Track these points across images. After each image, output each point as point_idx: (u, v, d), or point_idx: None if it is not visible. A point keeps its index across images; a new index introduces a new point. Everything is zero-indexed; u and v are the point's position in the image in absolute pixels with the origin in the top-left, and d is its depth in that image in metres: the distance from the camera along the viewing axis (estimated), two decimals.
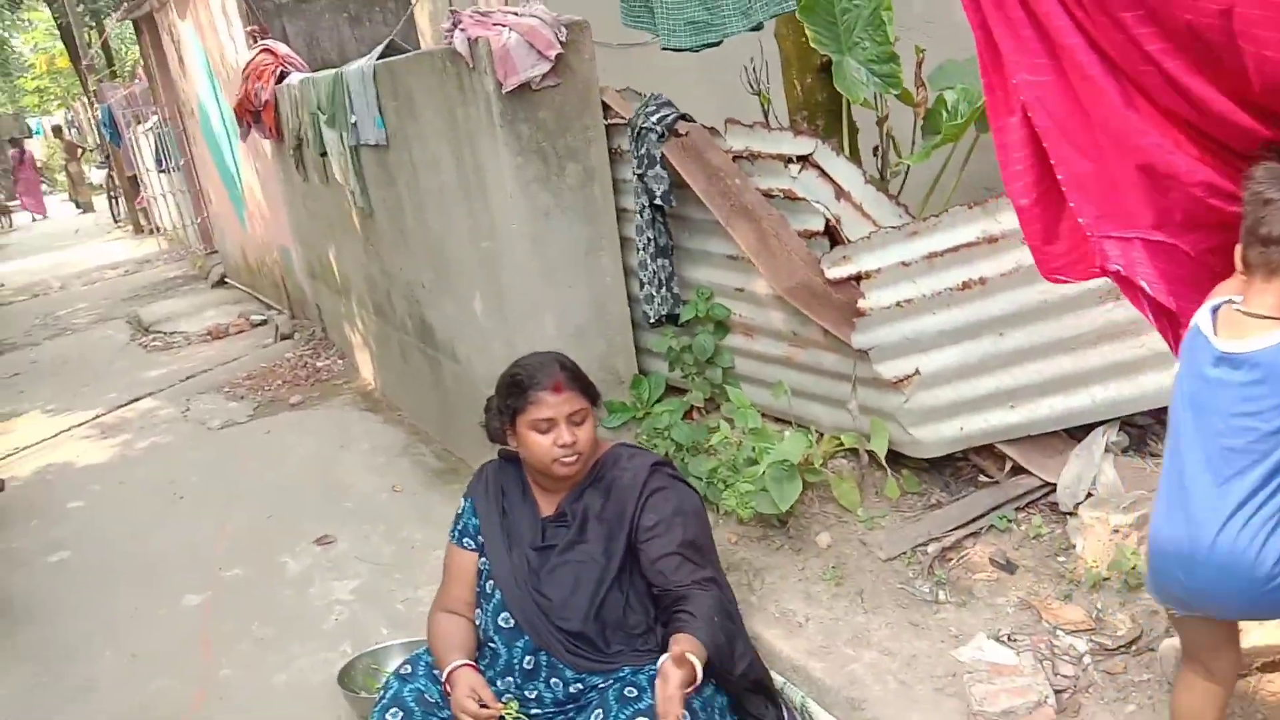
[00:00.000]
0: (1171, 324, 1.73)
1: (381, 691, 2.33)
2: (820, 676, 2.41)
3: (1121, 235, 1.66)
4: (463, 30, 3.20)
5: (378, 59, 4.17)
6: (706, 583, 2.14)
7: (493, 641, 2.25)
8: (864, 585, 2.68)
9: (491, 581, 2.26)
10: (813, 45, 2.70)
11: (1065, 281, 1.83)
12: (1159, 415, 2.76)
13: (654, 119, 3.03)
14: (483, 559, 2.30)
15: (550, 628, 2.17)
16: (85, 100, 20.17)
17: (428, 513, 4.08)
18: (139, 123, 11.91)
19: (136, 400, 6.19)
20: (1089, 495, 2.68)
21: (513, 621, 2.21)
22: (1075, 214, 1.70)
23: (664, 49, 2.78)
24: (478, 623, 2.30)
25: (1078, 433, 2.77)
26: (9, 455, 5.46)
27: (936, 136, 2.75)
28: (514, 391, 2.22)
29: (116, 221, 16.25)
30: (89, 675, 3.25)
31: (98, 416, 5.97)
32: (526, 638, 2.20)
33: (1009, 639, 2.38)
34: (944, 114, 2.77)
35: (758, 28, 2.61)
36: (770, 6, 2.50)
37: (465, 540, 2.35)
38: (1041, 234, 1.76)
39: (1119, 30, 1.46)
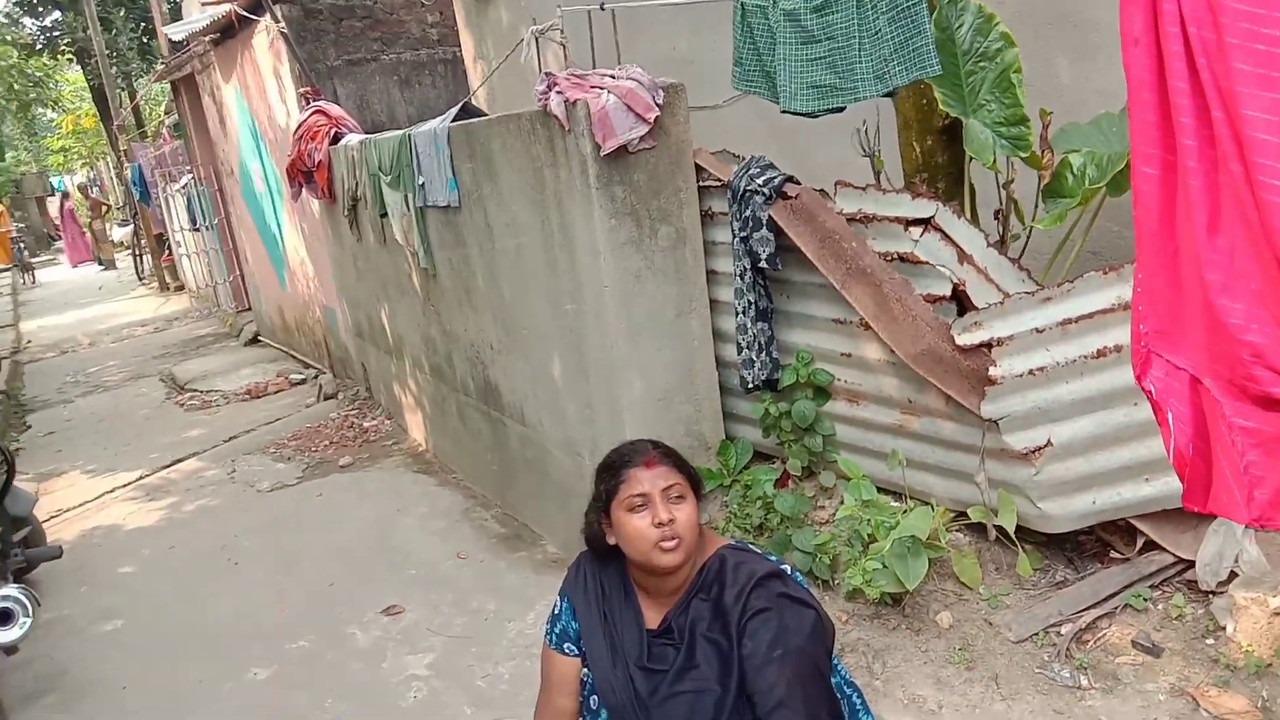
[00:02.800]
0: (1181, 464, 1.57)
1: None
2: None
3: (1171, 360, 1.54)
4: (559, 92, 3.16)
5: (452, 121, 4.15)
6: None
7: None
8: (997, 669, 2.54)
9: (596, 697, 2.07)
10: (941, 106, 2.65)
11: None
12: None
13: (759, 181, 2.97)
14: (585, 668, 2.10)
15: None
16: (110, 159, 20.43)
17: (497, 582, 3.94)
18: (169, 182, 11.99)
19: (180, 461, 6.07)
20: (1231, 574, 2.55)
21: None
22: (1136, 319, 1.60)
23: (783, 112, 2.71)
24: None
25: None
26: (53, 518, 5.33)
27: (1061, 200, 2.68)
28: (606, 476, 2.04)
29: (141, 279, 16.29)
30: None
31: (141, 478, 5.86)
32: None
33: None
34: (1070, 177, 2.70)
35: (891, 94, 2.55)
36: (910, 70, 2.42)
37: (566, 646, 2.12)
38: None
39: (1236, 144, 1.32)
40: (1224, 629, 2.44)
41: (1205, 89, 1.36)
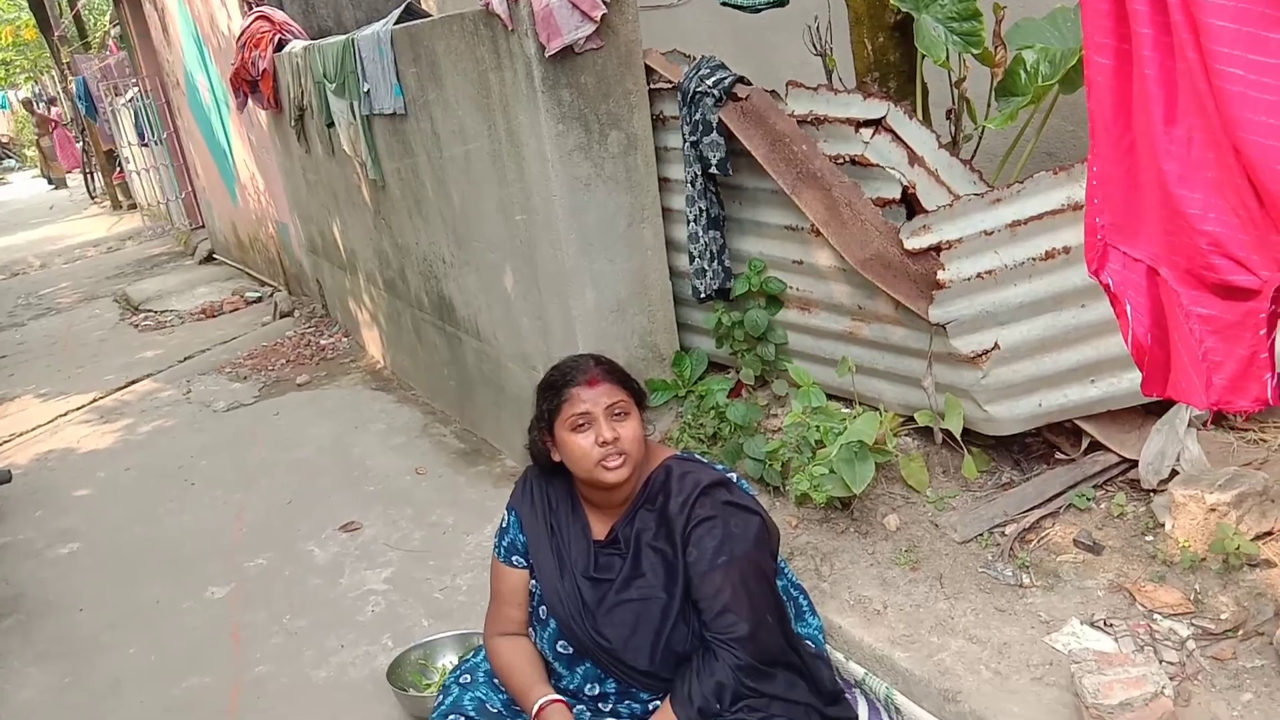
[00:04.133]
0: (1140, 354, 1.59)
1: (440, 696, 2.21)
2: (907, 667, 2.31)
3: (1128, 252, 1.53)
4: None
5: (395, 23, 3.99)
6: (734, 644, 1.91)
7: (553, 664, 2.12)
8: (942, 569, 2.57)
9: (544, 607, 2.10)
10: (892, 1, 2.55)
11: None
12: None
13: (709, 82, 2.87)
14: (533, 580, 2.13)
15: (615, 663, 2.02)
16: (55, 73, 19.61)
17: (455, 496, 3.95)
18: (117, 95, 11.56)
19: (135, 382, 5.99)
20: (1173, 472, 2.58)
21: (572, 649, 2.07)
22: (1091, 212, 1.58)
23: (722, 4, 2.60)
24: (534, 641, 2.16)
25: (1157, 407, 2.67)
26: (6, 442, 5.26)
27: (1014, 99, 2.62)
28: (548, 395, 2.03)
29: (93, 197, 15.85)
30: (116, 673, 3.10)
31: (95, 400, 5.77)
32: (589, 664, 2.06)
33: (1105, 624, 2.28)
34: (1023, 74, 2.63)
35: None
36: None
37: (514, 559, 2.15)
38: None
39: (1192, 31, 1.28)
40: (1163, 526, 2.48)
41: None
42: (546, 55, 2.99)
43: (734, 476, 2.14)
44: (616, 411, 1.99)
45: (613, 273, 3.35)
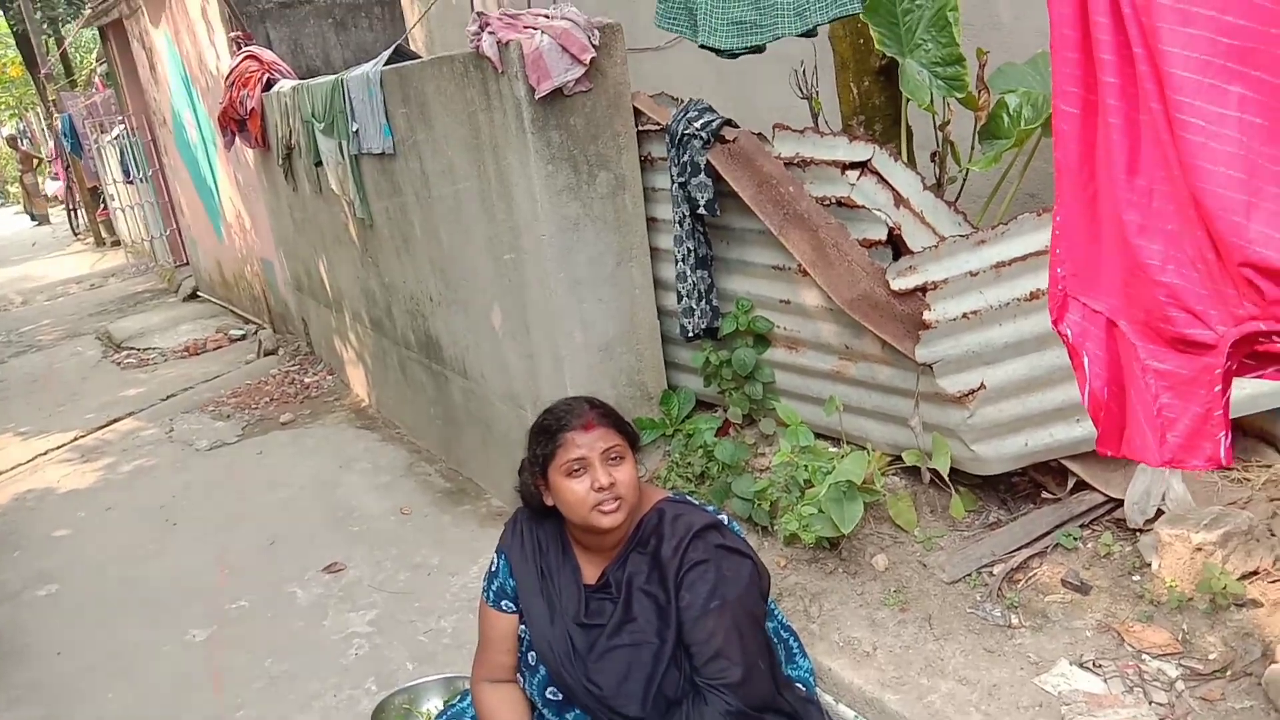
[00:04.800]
0: (1096, 408, 1.58)
1: None
2: (897, 710, 2.29)
3: (1088, 303, 1.53)
4: (491, 33, 3.06)
5: (384, 64, 4.02)
6: (726, 690, 1.89)
7: (542, 710, 2.09)
8: (930, 610, 2.57)
9: (534, 654, 2.07)
10: (877, 46, 2.60)
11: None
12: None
13: (697, 124, 2.91)
14: (523, 625, 2.11)
15: (606, 710, 1.98)
16: (40, 110, 19.64)
17: (440, 536, 3.92)
18: (103, 132, 11.57)
19: (116, 421, 5.93)
20: (1158, 512, 2.59)
21: (561, 696, 2.04)
22: (1054, 262, 1.59)
23: (701, 46, 2.64)
24: (523, 688, 2.14)
25: None
26: None
27: (997, 142, 2.67)
28: (542, 439, 2.01)
29: (76, 234, 15.79)
30: (95, 719, 3.04)
31: (76, 439, 5.71)
32: (578, 711, 2.04)
33: (1093, 665, 2.28)
34: (1006, 118, 2.68)
35: (811, 33, 2.49)
36: (830, 8, 2.37)
37: (504, 603, 2.12)
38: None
39: (1156, 82, 1.30)
40: (1149, 565, 2.49)
41: (1126, 24, 1.33)
42: (536, 97, 3.03)
43: (724, 519, 2.13)
44: (612, 456, 1.97)
45: (601, 312, 3.36)
